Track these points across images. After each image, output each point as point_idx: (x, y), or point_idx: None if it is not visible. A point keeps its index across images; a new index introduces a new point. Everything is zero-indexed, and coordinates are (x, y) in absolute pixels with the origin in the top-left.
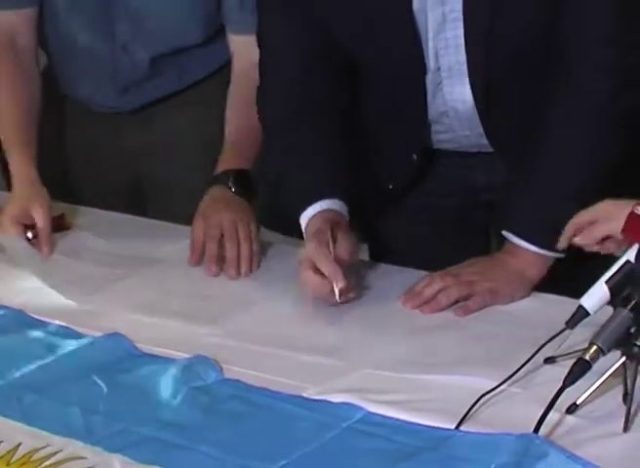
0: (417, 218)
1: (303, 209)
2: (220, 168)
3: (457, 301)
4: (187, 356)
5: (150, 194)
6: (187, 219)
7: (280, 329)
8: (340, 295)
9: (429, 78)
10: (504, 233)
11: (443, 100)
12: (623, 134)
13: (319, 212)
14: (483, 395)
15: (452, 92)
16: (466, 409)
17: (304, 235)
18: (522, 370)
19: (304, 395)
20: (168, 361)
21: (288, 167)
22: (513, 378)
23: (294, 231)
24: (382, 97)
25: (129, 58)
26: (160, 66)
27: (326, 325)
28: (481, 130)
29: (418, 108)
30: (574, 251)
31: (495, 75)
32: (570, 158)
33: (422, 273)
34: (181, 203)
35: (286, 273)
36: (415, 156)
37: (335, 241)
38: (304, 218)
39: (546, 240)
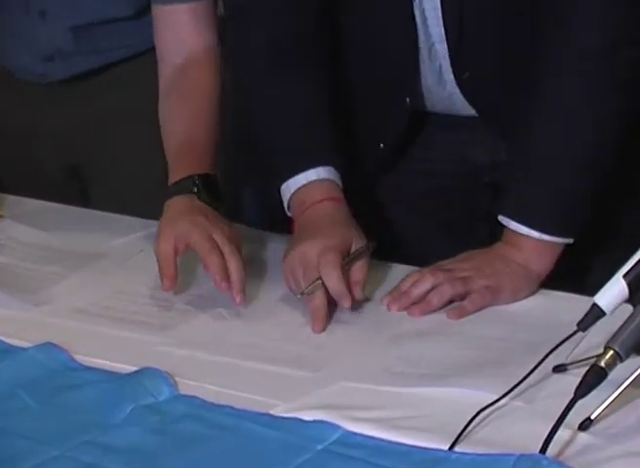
0: (409, 204)
1: (290, 176)
2: (177, 176)
3: (450, 302)
4: (134, 368)
5: (91, 181)
6: (134, 209)
7: (245, 336)
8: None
9: (417, 14)
10: (501, 218)
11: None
12: (630, 86)
13: (314, 181)
14: (481, 410)
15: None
16: (461, 426)
17: (286, 208)
18: (526, 380)
19: (272, 413)
20: (111, 374)
21: (270, 126)
22: (516, 390)
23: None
24: (368, 39)
25: (47, 27)
26: (88, 37)
27: (297, 330)
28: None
29: (404, 45)
30: (586, 237)
31: (470, 16)
32: (570, 114)
33: (411, 269)
34: (127, 190)
35: (252, 272)
36: (407, 100)
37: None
38: (291, 187)
39: (551, 223)
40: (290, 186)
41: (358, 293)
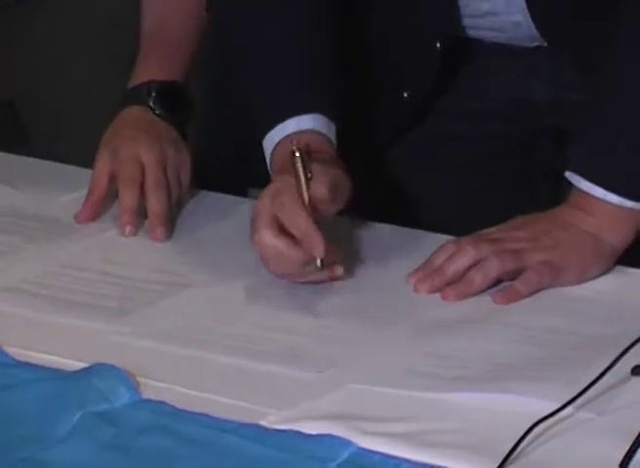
0: (444, 155)
1: (269, 128)
2: (137, 78)
3: (497, 282)
4: (83, 365)
5: (28, 123)
6: (85, 159)
7: (224, 323)
8: (320, 267)
9: None
10: (569, 175)
11: None
12: None
13: (292, 134)
14: (537, 423)
15: None
16: (511, 444)
17: (269, 169)
18: (597, 384)
19: (263, 424)
20: (53, 372)
21: (252, 68)
22: (583, 398)
23: None
24: None
25: None
26: None
27: (294, 317)
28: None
29: None
30: None
31: None
32: None
33: (447, 238)
34: (76, 135)
35: (235, 243)
36: (438, 44)
37: (309, 180)
38: (269, 143)
39: (635, 185)
40: (273, 138)
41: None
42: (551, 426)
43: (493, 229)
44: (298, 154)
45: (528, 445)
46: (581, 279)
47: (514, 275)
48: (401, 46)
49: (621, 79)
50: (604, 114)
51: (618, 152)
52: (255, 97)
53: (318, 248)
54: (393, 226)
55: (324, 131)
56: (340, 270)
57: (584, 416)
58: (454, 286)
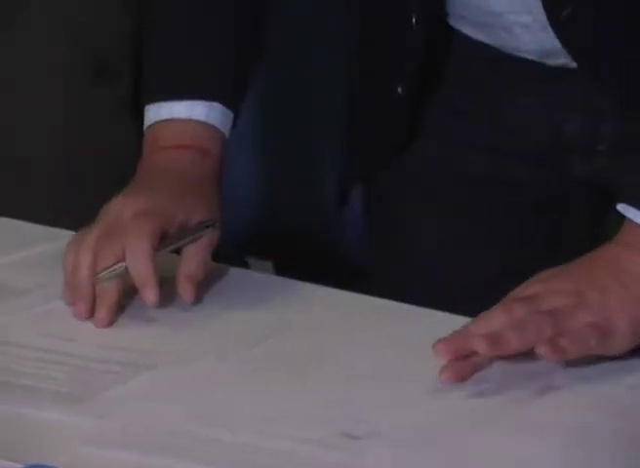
0: (444, 200)
1: (156, 100)
2: None
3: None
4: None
5: None
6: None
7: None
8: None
9: None
10: (620, 207)
11: None
12: None
13: (179, 120)
14: None
15: None
16: None
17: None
18: None
19: None
20: None
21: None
22: None
23: None
24: None
25: None
26: None
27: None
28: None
29: None
30: None
31: None
32: None
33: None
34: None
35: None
36: (413, 20)
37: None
38: (148, 121)
39: None
40: (149, 114)
41: (188, 293)
42: None
43: (524, 285)
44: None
45: None
46: (634, 340)
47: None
48: (386, 32)
49: None
50: None
51: None
52: (151, 62)
53: (151, 299)
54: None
55: (219, 122)
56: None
57: None
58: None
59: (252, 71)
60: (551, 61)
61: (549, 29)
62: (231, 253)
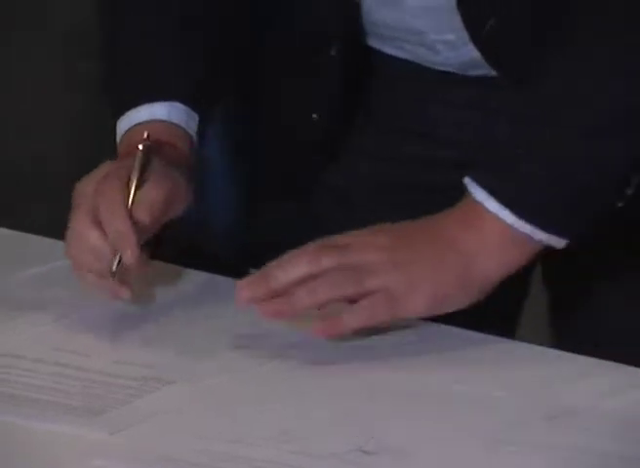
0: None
1: (121, 113)
2: None
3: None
4: None
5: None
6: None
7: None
8: (114, 272)
9: None
10: (466, 181)
11: None
12: None
13: (141, 123)
14: None
15: None
16: None
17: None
18: None
19: None
20: None
21: (115, 43)
22: None
23: None
24: None
25: None
26: None
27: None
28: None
29: None
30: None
31: None
32: (588, 74)
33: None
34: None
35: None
36: (332, 52)
37: (140, 182)
38: (119, 131)
39: (540, 210)
40: (120, 125)
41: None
42: None
43: (353, 233)
44: (141, 148)
45: None
46: (433, 308)
47: (354, 299)
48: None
49: (549, 87)
50: (528, 120)
51: (531, 169)
52: (115, 75)
53: (128, 251)
54: None
55: (182, 121)
56: (126, 293)
57: None
58: (276, 300)
59: (226, 73)
60: (472, 72)
61: (471, 45)
62: (236, 265)
